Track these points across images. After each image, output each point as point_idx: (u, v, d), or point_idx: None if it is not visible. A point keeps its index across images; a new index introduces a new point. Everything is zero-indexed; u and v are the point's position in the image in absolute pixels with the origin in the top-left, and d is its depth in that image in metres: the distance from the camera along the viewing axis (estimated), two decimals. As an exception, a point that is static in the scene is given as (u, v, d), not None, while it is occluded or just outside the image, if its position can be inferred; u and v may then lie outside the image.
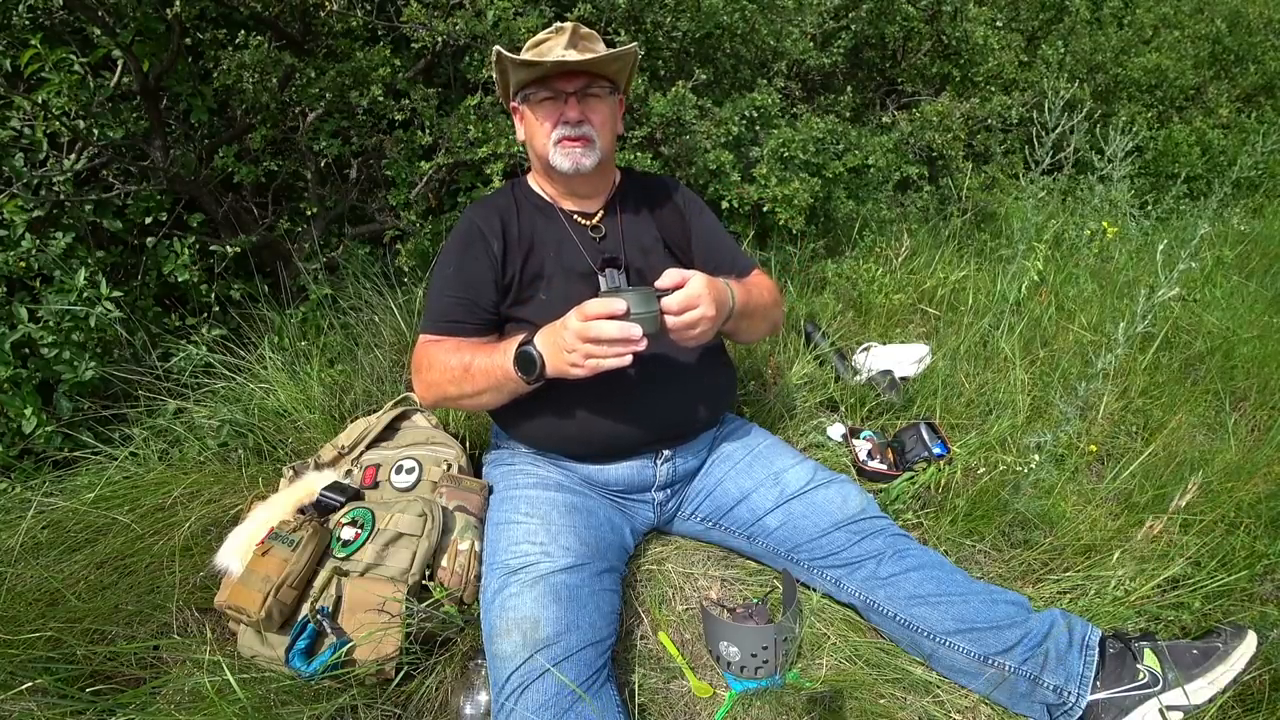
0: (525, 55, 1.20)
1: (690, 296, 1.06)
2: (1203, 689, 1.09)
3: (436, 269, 1.34)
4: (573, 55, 1.20)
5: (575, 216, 1.36)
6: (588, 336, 1.01)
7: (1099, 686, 1.09)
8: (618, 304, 1.00)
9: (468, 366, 1.18)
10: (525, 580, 1.09)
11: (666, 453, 1.33)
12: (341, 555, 1.19)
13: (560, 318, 1.08)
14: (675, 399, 1.29)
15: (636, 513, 1.38)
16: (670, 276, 1.08)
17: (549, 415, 1.28)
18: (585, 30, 1.26)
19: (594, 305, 1.01)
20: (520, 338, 1.12)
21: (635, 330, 1.00)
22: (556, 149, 1.26)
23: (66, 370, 1.66)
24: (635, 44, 1.26)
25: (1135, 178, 3.75)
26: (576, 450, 1.32)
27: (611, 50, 1.20)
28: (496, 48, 1.21)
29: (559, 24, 1.25)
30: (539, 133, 1.27)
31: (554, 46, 1.23)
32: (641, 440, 1.29)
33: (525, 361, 1.10)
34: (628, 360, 1.01)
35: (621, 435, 1.27)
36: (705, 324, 1.08)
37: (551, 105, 1.25)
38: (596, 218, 1.37)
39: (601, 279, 1.30)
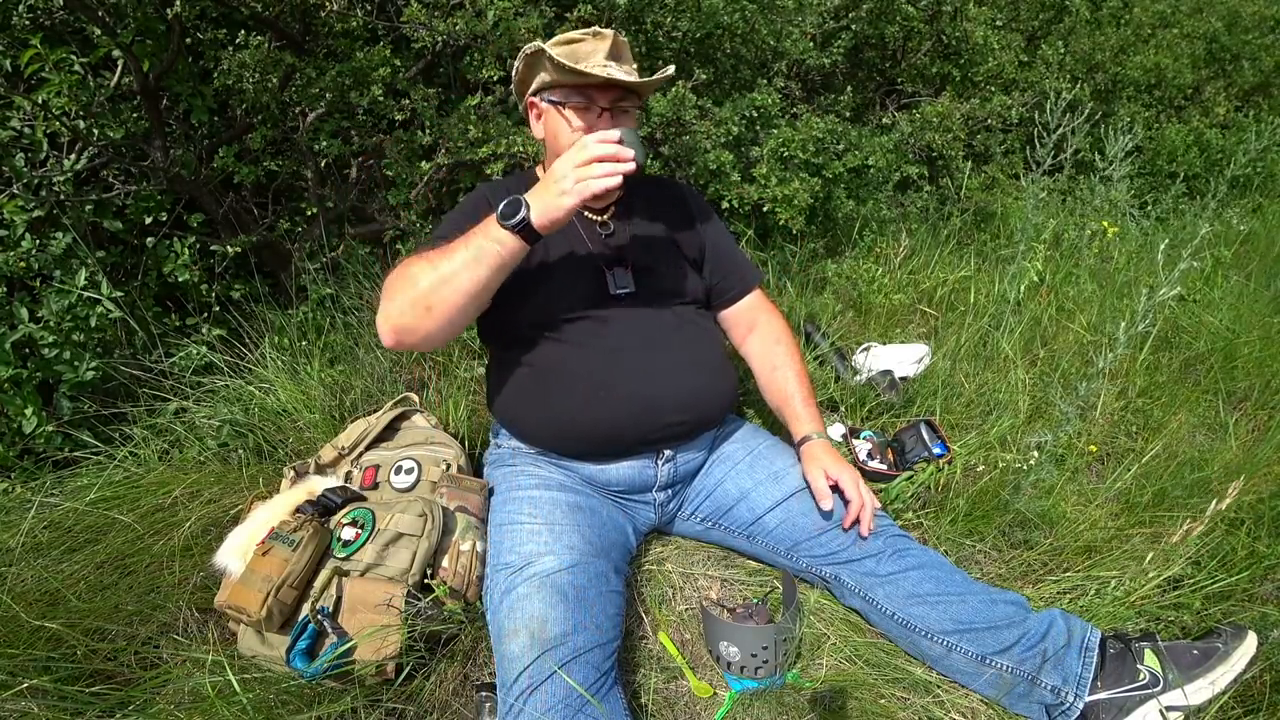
0: (562, 58, 1.18)
1: (855, 507, 1.25)
2: (1203, 689, 1.09)
3: (439, 228, 1.34)
4: (616, 70, 1.21)
5: (585, 212, 1.36)
6: (585, 158, 1.03)
7: (1099, 687, 1.09)
8: (613, 133, 1.05)
9: (444, 250, 1.12)
10: (532, 580, 1.09)
11: (667, 453, 1.33)
12: (342, 555, 1.19)
13: (564, 307, 1.22)
14: (676, 399, 1.29)
15: (637, 513, 1.38)
16: (825, 501, 1.26)
17: (548, 410, 1.28)
18: (621, 39, 1.25)
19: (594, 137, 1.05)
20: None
21: (628, 152, 1.04)
22: None
23: (67, 370, 1.66)
24: (671, 69, 1.26)
25: (1135, 178, 3.74)
26: (576, 448, 1.31)
27: (659, 75, 1.23)
28: (540, 44, 1.20)
29: (597, 29, 1.24)
30: (567, 135, 1.25)
31: (594, 53, 1.22)
32: (641, 439, 1.29)
33: (509, 207, 1.07)
34: (617, 181, 1.03)
35: (621, 433, 1.27)
36: (868, 503, 1.26)
37: (584, 113, 1.24)
38: (606, 214, 1.37)
39: (610, 276, 1.30)
